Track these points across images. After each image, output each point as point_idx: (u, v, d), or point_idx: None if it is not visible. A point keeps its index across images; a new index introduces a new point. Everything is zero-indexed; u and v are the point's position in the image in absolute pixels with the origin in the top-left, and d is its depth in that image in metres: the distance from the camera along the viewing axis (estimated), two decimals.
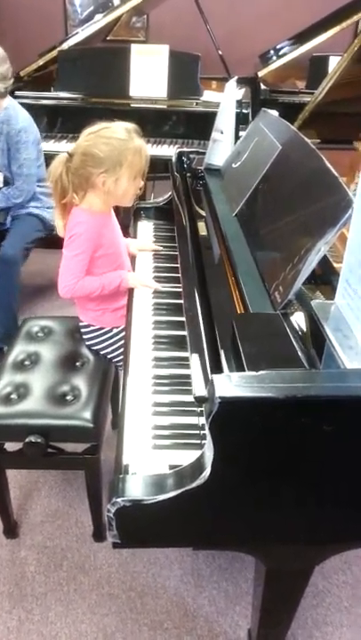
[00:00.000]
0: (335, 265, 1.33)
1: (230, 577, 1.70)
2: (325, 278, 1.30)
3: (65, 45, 3.36)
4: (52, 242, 3.12)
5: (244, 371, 0.96)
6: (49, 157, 2.76)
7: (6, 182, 2.61)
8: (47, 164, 2.75)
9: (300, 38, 3.34)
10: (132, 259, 1.87)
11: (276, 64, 3.30)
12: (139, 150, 1.56)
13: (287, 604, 1.27)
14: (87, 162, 1.52)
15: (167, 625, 1.57)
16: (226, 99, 1.93)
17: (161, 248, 1.94)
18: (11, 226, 2.67)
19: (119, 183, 1.57)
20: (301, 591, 1.23)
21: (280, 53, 3.42)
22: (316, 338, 1.08)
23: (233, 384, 0.87)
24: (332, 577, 1.71)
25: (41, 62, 3.42)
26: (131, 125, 1.59)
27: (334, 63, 3.30)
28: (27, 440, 1.50)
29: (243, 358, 0.98)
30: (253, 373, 0.89)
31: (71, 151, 1.56)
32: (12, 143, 2.48)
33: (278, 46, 3.51)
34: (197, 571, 1.71)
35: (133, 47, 3.20)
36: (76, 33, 3.45)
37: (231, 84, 1.92)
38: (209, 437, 0.90)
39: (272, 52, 3.52)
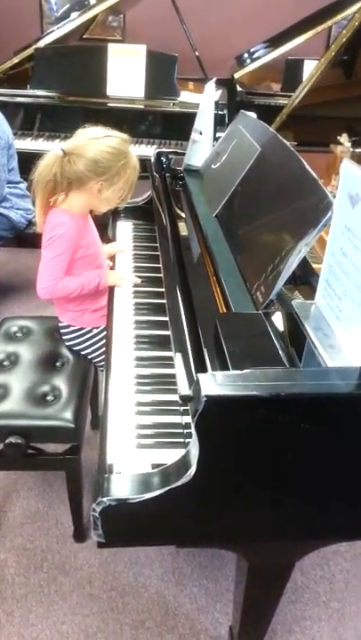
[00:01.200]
0: (313, 266, 1.36)
1: (210, 574, 1.71)
2: (304, 279, 1.32)
3: (41, 43, 3.33)
4: (26, 241, 3.10)
5: (228, 370, 0.97)
6: (26, 156, 2.75)
7: None
8: (25, 163, 2.74)
9: (275, 41, 3.38)
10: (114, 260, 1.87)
11: (251, 66, 3.33)
12: (135, 166, 1.59)
13: (269, 600, 1.29)
14: (89, 167, 1.50)
15: (149, 624, 1.57)
16: (205, 100, 1.94)
17: (125, 250, 1.94)
18: None
19: (113, 192, 1.59)
20: (283, 586, 1.25)
21: (256, 56, 3.45)
22: (297, 337, 1.10)
23: (218, 383, 0.88)
24: (310, 572, 1.74)
25: (16, 60, 3.38)
26: (126, 136, 1.59)
27: (309, 67, 3.37)
28: (7, 441, 1.49)
29: (227, 357, 0.99)
30: (238, 372, 0.91)
31: (66, 150, 1.52)
32: None
33: (254, 49, 3.54)
34: (178, 569, 1.72)
35: (110, 46, 3.20)
36: (52, 31, 3.42)
37: (210, 85, 1.93)
38: (194, 435, 0.91)
39: (248, 54, 3.55)
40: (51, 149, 1.56)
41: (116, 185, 1.58)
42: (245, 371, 0.91)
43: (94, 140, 1.54)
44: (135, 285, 1.70)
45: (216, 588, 1.68)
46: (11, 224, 2.68)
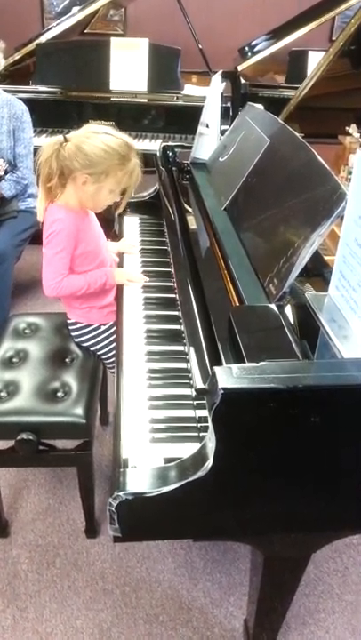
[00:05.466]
0: (324, 258, 1.35)
1: (223, 568, 1.71)
2: (316, 271, 1.31)
3: (43, 38, 3.32)
4: (32, 238, 3.09)
5: (243, 362, 0.96)
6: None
7: (5, 172, 2.59)
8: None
9: (278, 33, 3.36)
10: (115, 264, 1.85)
11: (255, 58, 3.31)
12: (130, 171, 1.55)
13: (284, 592, 1.29)
14: (78, 157, 1.50)
15: (163, 618, 1.57)
16: (211, 93, 1.93)
17: (135, 248, 1.92)
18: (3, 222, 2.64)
19: (99, 191, 1.56)
20: (298, 579, 1.25)
21: (259, 48, 3.43)
22: (311, 329, 1.09)
23: (235, 375, 0.88)
24: (323, 565, 1.74)
25: (17, 56, 3.37)
26: (131, 143, 1.57)
27: (313, 58, 3.35)
28: (18, 438, 1.49)
29: (242, 350, 0.98)
30: (254, 365, 0.90)
31: (66, 137, 1.52)
32: (17, 124, 2.54)
33: (257, 41, 3.53)
34: (191, 563, 1.72)
35: (113, 40, 3.19)
36: (54, 26, 3.41)
37: (216, 77, 1.92)
38: (211, 428, 0.91)
39: (251, 46, 3.53)
40: None
41: (102, 183, 1.54)
42: (262, 363, 0.90)
43: (93, 134, 1.53)
44: (144, 284, 1.68)
45: (229, 581, 1.68)
46: (35, 221, 2.69)
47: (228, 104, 3.15)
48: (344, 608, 1.63)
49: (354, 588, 1.68)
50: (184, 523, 1.02)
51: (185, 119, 3.12)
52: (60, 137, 1.53)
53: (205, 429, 1.04)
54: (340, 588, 1.68)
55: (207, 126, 1.94)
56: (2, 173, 2.53)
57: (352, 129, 2.03)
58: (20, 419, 1.52)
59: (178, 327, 1.45)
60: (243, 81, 3.33)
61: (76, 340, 1.80)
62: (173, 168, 2.00)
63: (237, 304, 1.19)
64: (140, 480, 0.97)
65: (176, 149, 2.13)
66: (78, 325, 1.78)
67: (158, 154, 2.11)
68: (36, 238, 3.06)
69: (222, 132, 1.99)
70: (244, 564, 1.71)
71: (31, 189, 2.73)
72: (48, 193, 1.60)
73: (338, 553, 1.77)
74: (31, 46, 3.31)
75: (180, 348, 1.38)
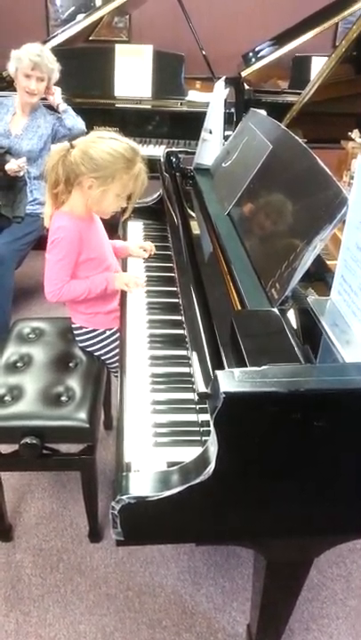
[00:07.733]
0: (327, 262, 1.35)
1: (227, 573, 1.71)
2: (318, 276, 1.31)
3: (48, 46, 3.34)
4: (38, 243, 3.11)
5: (245, 367, 0.97)
6: None
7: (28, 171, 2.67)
8: None
9: (282, 39, 3.37)
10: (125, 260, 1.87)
11: (259, 64, 3.32)
12: (136, 175, 1.56)
13: (287, 598, 1.29)
14: (84, 161, 1.51)
15: (166, 623, 1.57)
16: (215, 98, 1.94)
17: (145, 253, 1.91)
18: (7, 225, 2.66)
19: (105, 195, 1.56)
20: (301, 584, 1.25)
21: (263, 54, 3.44)
22: (313, 333, 1.09)
23: (236, 379, 0.88)
24: (327, 571, 1.73)
25: None
26: (137, 147, 1.58)
27: (317, 64, 3.37)
28: (22, 442, 1.49)
29: (244, 354, 0.99)
30: (256, 369, 0.91)
31: (73, 143, 1.54)
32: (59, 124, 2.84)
33: (261, 47, 3.54)
34: (194, 568, 1.72)
35: (117, 47, 3.21)
36: (59, 33, 3.44)
37: (220, 83, 1.93)
38: (213, 432, 0.91)
39: (255, 52, 3.54)
40: None
41: (108, 187, 1.54)
42: (263, 367, 0.90)
43: (99, 139, 1.55)
44: (146, 285, 1.69)
45: (233, 586, 1.67)
46: (39, 226, 2.71)
47: (232, 110, 3.16)
48: (348, 613, 1.62)
49: (358, 593, 1.67)
50: (186, 526, 1.02)
51: (189, 125, 3.13)
52: (66, 144, 1.55)
53: (208, 433, 1.04)
54: (344, 594, 1.67)
55: (210, 132, 1.95)
56: (21, 174, 2.58)
57: (354, 134, 2.04)
58: (23, 423, 1.53)
59: (181, 332, 1.46)
60: (246, 87, 3.34)
61: (81, 344, 1.80)
62: (177, 174, 2.01)
63: (240, 308, 1.19)
64: (142, 484, 0.97)
65: (180, 155, 2.15)
66: (83, 330, 1.79)
67: (162, 159, 2.13)
68: (40, 243, 3.08)
69: (226, 138, 2.00)
70: (248, 569, 1.71)
71: (35, 195, 2.74)
72: (55, 199, 1.61)
73: (341, 558, 1.76)
74: None
75: (183, 352, 1.39)
